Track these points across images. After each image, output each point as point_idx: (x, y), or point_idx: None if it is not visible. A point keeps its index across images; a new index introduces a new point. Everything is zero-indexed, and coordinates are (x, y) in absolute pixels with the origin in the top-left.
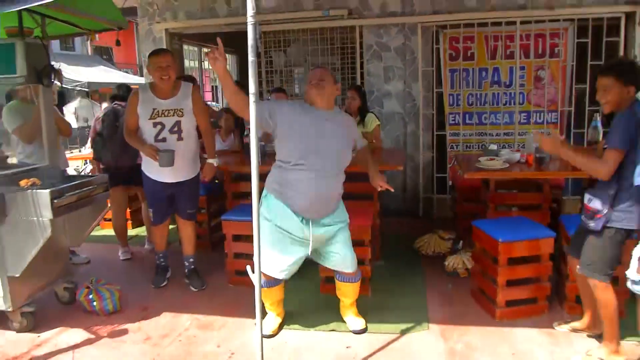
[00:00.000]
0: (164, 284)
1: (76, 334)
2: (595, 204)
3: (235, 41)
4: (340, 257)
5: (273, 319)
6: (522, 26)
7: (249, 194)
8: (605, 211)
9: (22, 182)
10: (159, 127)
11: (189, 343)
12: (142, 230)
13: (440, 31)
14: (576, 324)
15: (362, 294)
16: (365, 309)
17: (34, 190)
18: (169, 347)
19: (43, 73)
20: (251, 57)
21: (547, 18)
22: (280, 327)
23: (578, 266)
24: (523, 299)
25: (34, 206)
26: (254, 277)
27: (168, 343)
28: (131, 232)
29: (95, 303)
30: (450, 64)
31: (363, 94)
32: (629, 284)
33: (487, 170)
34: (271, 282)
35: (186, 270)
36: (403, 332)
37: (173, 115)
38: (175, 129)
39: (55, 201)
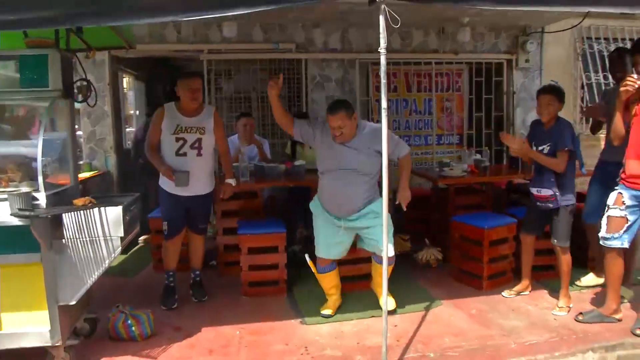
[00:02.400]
0: (174, 305)
1: None
2: (546, 191)
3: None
4: (375, 242)
5: (332, 302)
6: (434, 66)
7: (237, 212)
8: (557, 193)
9: (78, 201)
10: (181, 142)
11: (256, 347)
12: None
13: (370, 67)
14: (517, 288)
15: (365, 288)
16: (375, 298)
17: (104, 208)
18: (241, 353)
19: (77, 88)
20: (383, 80)
21: (454, 60)
22: (336, 310)
23: (555, 240)
24: (498, 272)
25: (102, 224)
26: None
27: (236, 351)
28: None
29: (134, 328)
30: (377, 95)
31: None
32: (601, 242)
33: (452, 177)
34: (326, 267)
35: (191, 282)
36: (427, 309)
37: (195, 133)
38: (196, 145)
39: (127, 218)
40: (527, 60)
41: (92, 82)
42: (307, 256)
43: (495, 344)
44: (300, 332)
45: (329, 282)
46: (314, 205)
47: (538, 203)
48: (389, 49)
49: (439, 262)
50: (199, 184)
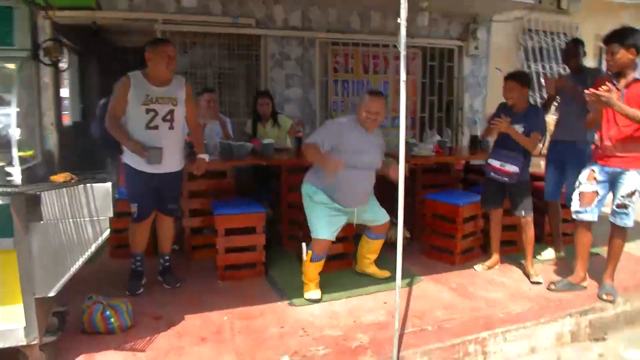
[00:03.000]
0: (140, 290)
1: (114, 357)
2: (511, 167)
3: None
4: (374, 216)
5: (316, 287)
6: (388, 48)
7: (205, 192)
8: (520, 172)
9: (58, 177)
10: (152, 113)
11: (250, 332)
12: None
13: (330, 47)
14: (488, 263)
15: (346, 268)
16: (359, 276)
17: (92, 184)
18: (236, 340)
19: (47, 48)
20: (402, 52)
21: (410, 44)
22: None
23: (522, 212)
24: (469, 248)
25: (89, 203)
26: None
27: (230, 337)
28: None
29: (112, 320)
30: (334, 75)
31: (272, 99)
32: (573, 215)
33: (422, 156)
34: (322, 255)
35: (160, 268)
36: (410, 285)
37: (167, 104)
38: (168, 117)
39: (115, 196)
40: (476, 48)
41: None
42: (304, 245)
43: (484, 314)
44: (293, 314)
45: (317, 270)
46: (314, 193)
47: (493, 174)
48: (348, 30)
49: (407, 240)
50: (172, 160)
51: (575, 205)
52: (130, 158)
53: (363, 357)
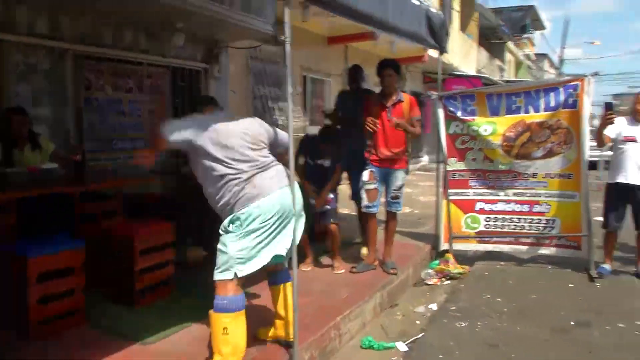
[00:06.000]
0: None
1: None
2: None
3: None
4: None
5: None
6: (141, 67)
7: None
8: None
9: None
10: None
11: None
12: None
13: (82, 61)
14: (308, 261)
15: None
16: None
17: None
18: None
19: None
20: (289, 68)
21: (162, 63)
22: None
23: (329, 220)
24: None
25: None
26: None
27: None
28: None
29: None
30: (87, 93)
31: (29, 117)
32: (363, 209)
33: None
34: None
35: None
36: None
37: None
38: None
39: None
40: (218, 71)
41: None
42: None
43: (326, 304)
44: (157, 352)
45: None
46: None
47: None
48: (101, 44)
49: (203, 259)
50: None
51: (364, 201)
52: None
53: None
